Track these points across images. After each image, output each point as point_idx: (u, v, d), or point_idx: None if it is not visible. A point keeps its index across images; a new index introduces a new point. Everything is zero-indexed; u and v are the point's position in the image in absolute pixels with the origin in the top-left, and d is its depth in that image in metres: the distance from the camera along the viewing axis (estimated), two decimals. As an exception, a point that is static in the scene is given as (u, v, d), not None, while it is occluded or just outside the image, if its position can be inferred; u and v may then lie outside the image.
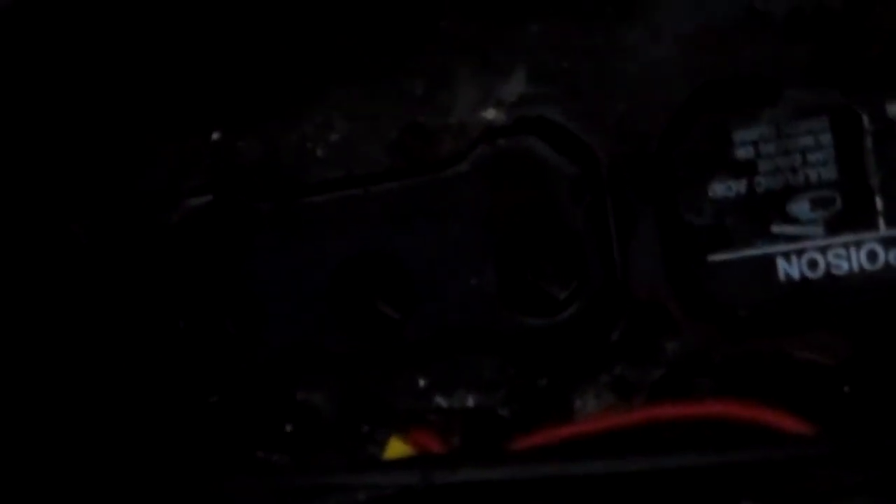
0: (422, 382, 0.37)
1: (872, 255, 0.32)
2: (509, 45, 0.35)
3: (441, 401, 0.37)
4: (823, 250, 0.32)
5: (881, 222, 0.32)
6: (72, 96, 0.39)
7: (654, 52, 0.34)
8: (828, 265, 0.32)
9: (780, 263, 0.33)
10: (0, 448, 0.38)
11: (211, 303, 0.38)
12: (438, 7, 0.36)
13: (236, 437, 0.38)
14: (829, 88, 0.33)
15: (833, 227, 0.32)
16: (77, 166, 0.40)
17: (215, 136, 0.38)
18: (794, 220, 0.33)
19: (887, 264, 0.32)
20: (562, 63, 0.35)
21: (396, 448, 0.36)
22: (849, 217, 0.32)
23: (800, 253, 0.33)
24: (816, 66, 0.33)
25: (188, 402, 0.39)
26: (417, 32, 0.36)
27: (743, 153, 0.33)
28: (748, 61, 0.33)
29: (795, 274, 0.33)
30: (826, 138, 0.33)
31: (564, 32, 0.35)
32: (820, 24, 0.33)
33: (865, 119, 0.32)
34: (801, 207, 0.33)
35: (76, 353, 0.40)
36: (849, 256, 0.32)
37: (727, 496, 0.30)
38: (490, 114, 0.36)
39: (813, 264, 0.33)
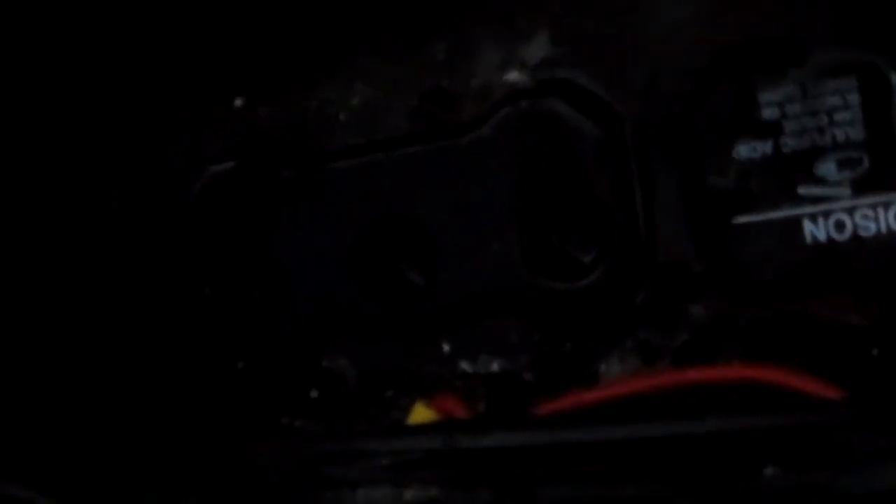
0: (446, 348, 0.37)
1: (901, 217, 0.32)
2: (532, 7, 0.35)
3: (465, 366, 0.37)
4: (851, 212, 0.32)
5: (910, 183, 0.32)
6: (98, 66, 0.39)
7: (678, 13, 0.34)
8: (855, 227, 0.32)
9: (807, 225, 0.32)
10: (30, 412, 0.39)
11: (236, 269, 0.38)
12: (459, -30, 0.36)
13: (262, 403, 0.39)
14: (857, 48, 0.32)
15: (860, 188, 0.32)
16: (104, 135, 0.40)
17: (238, 102, 0.38)
18: (820, 181, 0.32)
19: (916, 226, 0.32)
20: (585, 25, 0.35)
21: (421, 414, 0.36)
22: (876, 177, 0.32)
23: (826, 214, 0.32)
24: (843, 24, 0.32)
25: (215, 369, 0.39)
26: (439, -5, 0.36)
27: (768, 114, 0.33)
28: (773, 21, 0.33)
29: (822, 236, 0.32)
30: (853, 98, 0.32)
31: (587, -6, 0.35)
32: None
33: (893, 78, 0.32)
34: (827, 168, 0.32)
35: (103, 319, 0.40)
36: (876, 218, 0.32)
37: (752, 461, 0.30)
38: (513, 76, 0.35)
39: (840, 226, 0.32)
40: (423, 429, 0.34)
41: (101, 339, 0.40)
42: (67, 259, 0.40)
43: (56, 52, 0.38)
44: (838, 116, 0.32)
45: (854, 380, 0.32)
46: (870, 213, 0.32)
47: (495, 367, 0.36)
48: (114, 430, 0.39)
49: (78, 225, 0.40)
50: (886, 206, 0.32)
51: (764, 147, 0.33)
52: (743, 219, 0.33)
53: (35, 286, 0.40)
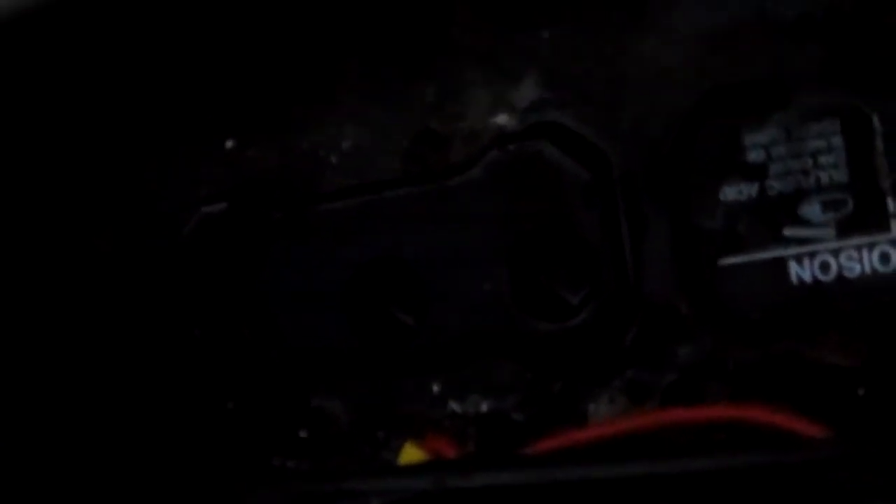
0: (436, 388, 0.37)
1: (885, 257, 0.32)
2: (520, 50, 0.36)
3: (455, 406, 0.37)
4: (835, 253, 0.32)
5: (893, 224, 0.32)
6: (87, 106, 0.39)
7: (665, 57, 0.34)
8: (840, 268, 0.32)
9: (793, 266, 0.33)
10: (18, 455, 0.39)
11: (226, 310, 0.38)
12: (449, 14, 0.36)
13: (252, 443, 0.39)
14: (840, 90, 0.32)
15: (845, 230, 0.32)
16: (95, 176, 0.40)
17: (229, 144, 0.39)
18: (805, 223, 0.33)
19: (900, 266, 0.32)
20: (573, 68, 0.35)
21: (411, 454, 0.36)
22: (860, 219, 0.32)
23: (812, 255, 0.33)
24: (826, 68, 0.33)
25: (204, 409, 0.39)
26: (428, 39, 0.36)
27: (754, 156, 0.33)
28: (758, 65, 0.33)
29: (807, 277, 0.33)
30: (837, 140, 0.32)
31: (575, 38, 0.35)
32: (830, 26, 0.33)
33: (876, 120, 0.32)
34: (812, 210, 0.33)
35: (93, 361, 0.40)
36: (861, 259, 0.32)
37: (740, 500, 0.30)
38: (502, 119, 0.36)
39: (825, 267, 0.32)
40: (412, 469, 0.34)
41: (91, 381, 0.40)
42: (57, 301, 0.40)
43: (46, 91, 0.39)
44: (822, 159, 0.33)
45: (841, 419, 0.32)
46: (854, 254, 0.32)
47: (485, 407, 0.36)
48: (103, 471, 0.39)
49: (68, 267, 0.40)
50: (871, 247, 0.32)
51: (750, 189, 0.33)
52: (730, 260, 0.33)
53: (23, 327, 0.40)
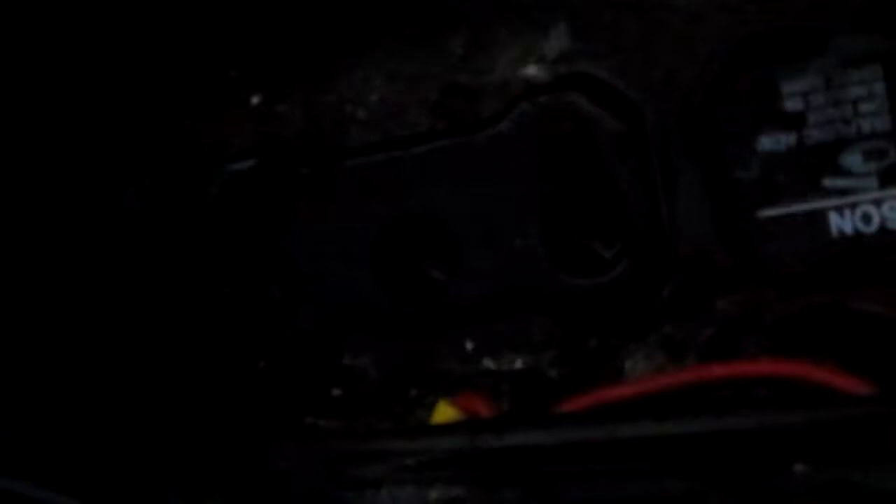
0: (469, 345, 0.36)
1: (928, 208, 0.31)
2: (549, 1, 0.35)
3: (489, 363, 0.36)
4: (877, 203, 0.32)
5: (937, 173, 0.31)
6: (117, 67, 0.39)
7: (698, 4, 0.33)
8: (882, 219, 0.31)
9: (833, 218, 0.32)
10: (52, 413, 0.39)
11: (256, 269, 0.38)
12: (476, -36, 0.35)
13: (284, 402, 0.38)
14: (881, 35, 0.31)
15: (887, 180, 0.31)
16: (122, 135, 0.40)
17: (255, 100, 0.38)
18: (846, 173, 0.32)
19: (944, 216, 0.31)
20: (603, 18, 0.34)
21: (444, 412, 0.35)
22: (903, 169, 0.31)
23: (853, 206, 0.32)
24: (866, 12, 0.31)
25: (236, 368, 0.39)
26: (455, -10, 0.36)
27: (792, 105, 0.32)
28: (794, 10, 0.32)
29: (848, 228, 0.32)
30: (878, 87, 0.31)
31: (605, -14, 0.34)
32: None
33: (920, 66, 0.31)
34: (853, 159, 0.32)
35: (123, 320, 0.40)
36: (903, 209, 0.31)
37: (781, 458, 0.30)
38: (531, 71, 0.35)
39: (866, 218, 0.32)
40: (447, 428, 0.34)
41: (122, 339, 0.40)
42: (87, 259, 0.40)
43: (77, 52, 0.38)
44: (863, 107, 0.32)
45: (883, 374, 0.32)
46: (897, 204, 0.31)
47: (519, 364, 0.36)
48: (136, 430, 0.39)
49: (98, 224, 0.40)
50: (913, 197, 0.31)
51: (788, 139, 0.32)
52: (767, 212, 0.32)
53: (54, 284, 0.40)
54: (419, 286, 0.37)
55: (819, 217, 0.32)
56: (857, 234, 0.32)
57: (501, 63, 0.35)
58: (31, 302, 0.40)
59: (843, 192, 0.32)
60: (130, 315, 0.40)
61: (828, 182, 0.32)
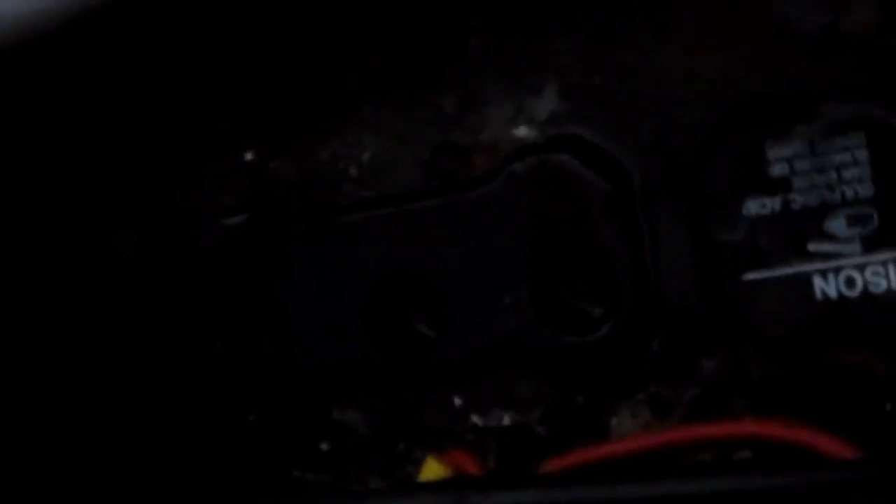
0: (457, 401, 0.37)
1: (912, 273, 0.32)
2: (540, 61, 0.35)
3: (477, 420, 0.37)
4: (861, 268, 0.32)
5: (920, 240, 0.32)
6: (109, 116, 0.39)
7: (687, 68, 0.34)
8: (865, 283, 0.32)
9: (817, 282, 0.32)
10: (37, 462, 0.39)
11: (247, 322, 0.38)
12: (468, 25, 0.36)
13: (273, 455, 0.38)
14: (865, 103, 0.32)
15: (870, 245, 0.32)
16: (117, 181, 0.40)
17: (248, 156, 0.38)
18: (830, 238, 0.32)
19: (927, 282, 0.32)
20: (593, 79, 0.35)
21: (432, 468, 0.36)
22: (886, 234, 0.32)
23: (837, 271, 0.32)
24: (851, 80, 0.32)
25: (225, 421, 0.39)
26: (447, 50, 0.36)
27: (777, 170, 0.33)
28: (782, 77, 0.33)
29: (833, 292, 0.32)
30: (862, 154, 0.32)
31: (595, 49, 0.35)
32: (855, 37, 0.32)
33: (902, 134, 0.32)
34: (837, 225, 0.32)
35: (113, 371, 0.40)
36: (887, 274, 0.32)
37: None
38: (522, 131, 0.36)
39: (850, 282, 0.32)
40: (433, 486, 0.34)
41: (110, 391, 0.40)
42: (77, 304, 0.40)
43: (76, 103, 0.39)
44: (847, 173, 0.32)
45: (868, 437, 0.32)
46: (880, 269, 0.32)
47: (507, 420, 0.36)
48: (123, 482, 0.39)
49: (88, 270, 0.40)
50: (897, 262, 0.32)
51: (773, 203, 0.33)
52: (753, 275, 0.33)
53: (43, 331, 0.40)
54: (408, 342, 0.37)
55: (803, 280, 0.32)
56: (841, 298, 0.32)
57: (493, 123, 0.36)
58: (19, 343, 0.40)
59: (827, 256, 0.32)
60: (118, 364, 0.40)
61: (812, 246, 0.32)
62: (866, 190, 0.32)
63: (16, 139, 0.38)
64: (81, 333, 0.40)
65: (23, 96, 0.38)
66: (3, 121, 0.38)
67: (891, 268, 0.32)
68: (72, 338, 0.40)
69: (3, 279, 0.39)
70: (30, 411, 0.39)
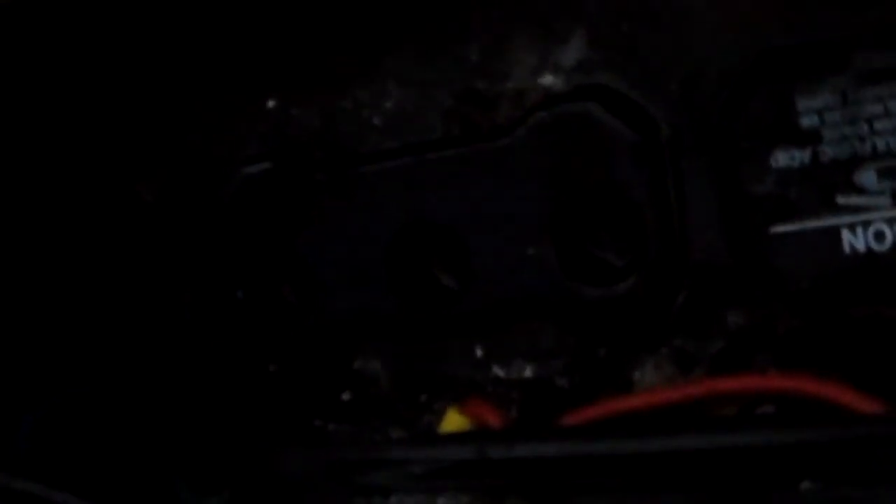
0: (479, 352, 0.37)
1: (942, 227, 0.31)
2: (567, 9, 0.35)
3: (498, 371, 0.36)
4: (890, 222, 0.31)
5: (952, 193, 0.31)
6: (134, 63, 0.39)
7: (716, 18, 0.33)
8: (895, 237, 0.31)
9: (846, 235, 0.32)
10: (65, 412, 0.39)
11: (269, 272, 0.38)
12: (494, -29, 0.35)
13: (294, 405, 0.38)
14: (899, 52, 0.31)
15: (901, 198, 0.31)
16: (140, 130, 0.40)
17: (271, 104, 0.38)
18: (860, 191, 0.32)
19: (957, 236, 0.31)
20: (621, 28, 0.34)
21: (453, 420, 0.36)
22: (918, 187, 0.31)
23: (866, 224, 0.32)
24: (884, 29, 0.31)
25: (246, 371, 0.39)
26: (473, -3, 0.36)
27: (807, 122, 0.32)
28: (813, 26, 0.32)
29: (861, 246, 0.32)
30: (894, 105, 0.31)
31: (624, -4, 0.34)
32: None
33: (937, 84, 0.31)
34: (867, 177, 0.32)
35: (135, 319, 0.40)
36: (917, 228, 0.31)
37: (788, 476, 0.30)
38: (548, 80, 0.35)
39: (880, 236, 0.32)
40: (456, 437, 0.34)
41: (132, 337, 0.40)
42: (99, 251, 0.40)
43: (95, 49, 0.38)
44: (879, 125, 0.31)
45: (893, 391, 0.32)
46: (911, 223, 0.31)
47: (528, 372, 0.36)
48: (147, 429, 0.40)
49: (111, 216, 0.40)
50: (928, 216, 0.31)
51: (802, 155, 0.32)
52: (780, 228, 0.32)
53: (64, 277, 0.40)
54: (431, 293, 0.37)
55: (832, 234, 0.32)
56: (870, 252, 0.32)
57: (518, 71, 0.35)
58: (40, 297, 0.40)
59: (856, 209, 0.32)
60: (142, 312, 0.40)
61: (841, 199, 0.32)
62: (898, 142, 0.31)
63: (40, 88, 0.38)
64: (103, 280, 0.40)
65: (50, 43, 0.38)
66: (30, 68, 0.37)
67: (921, 222, 0.31)
68: (93, 284, 0.40)
69: (27, 226, 0.39)
70: (51, 358, 0.39)
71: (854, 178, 0.32)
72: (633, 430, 0.32)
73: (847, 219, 0.32)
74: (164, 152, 0.39)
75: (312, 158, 0.37)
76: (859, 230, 0.32)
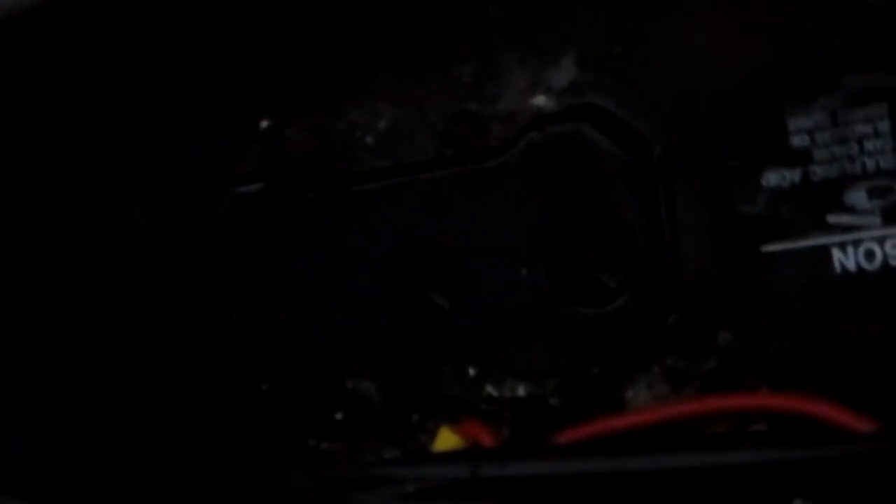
0: (472, 371, 0.37)
1: (932, 246, 0.31)
2: (558, 31, 0.35)
3: (491, 390, 0.36)
4: (881, 241, 0.32)
5: (941, 212, 0.31)
6: (128, 83, 0.39)
7: (707, 39, 0.33)
8: (885, 256, 0.32)
9: (836, 254, 0.32)
10: (53, 432, 0.39)
11: (262, 292, 0.38)
12: (486, -7, 0.35)
13: (287, 424, 0.38)
14: (887, 73, 0.32)
15: (891, 217, 0.32)
16: (133, 150, 0.40)
17: (264, 124, 0.38)
18: (850, 210, 0.32)
19: (947, 255, 0.31)
20: (612, 49, 0.34)
21: (446, 439, 0.36)
22: (907, 207, 0.31)
23: (856, 243, 0.32)
24: (874, 50, 0.32)
25: (240, 391, 0.39)
26: (466, 19, 0.36)
27: (798, 142, 0.32)
28: (802, 47, 0.32)
29: (851, 265, 0.32)
30: (884, 125, 0.32)
31: (614, 18, 0.34)
32: (877, 7, 0.32)
33: (925, 105, 0.31)
34: (858, 197, 0.32)
35: (128, 340, 0.40)
36: (907, 247, 0.31)
37: (779, 494, 0.30)
38: (540, 101, 0.35)
39: (870, 255, 0.32)
40: (449, 456, 0.34)
41: (125, 356, 0.40)
42: (92, 272, 0.40)
43: (90, 66, 0.38)
44: (869, 145, 0.32)
45: (884, 410, 0.32)
46: (900, 242, 0.32)
47: (521, 391, 0.36)
48: (139, 449, 0.39)
49: (104, 237, 0.40)
50: (917, 235, 0.32)
51: (793, 175, 0.32)
52: (771, 247, 0.33)
53: (57, 294, 0.40)
54: (423, 312, 0.37)
55: (822, 253, 0.32)
56: (861, 271, 0.32)
57: (510, 92, 0.36)
58: (34, 317, 0.40)
59: (846, 228, 0.32)
60: (135, 333, 0.40)
61: (832, 218, 0.32)
62: (888, 162, 0.32)
63: (34, 107, 0.38)
64: (96, 302, 0.40)
65: (42, 63, 0.38)
66: (24, 87, 0.38)
67: (911, 241, 0.32)
68: (87, 306, 0.40)
69: (20, 247, 0.39)
70: (43, 379, 0.39)
71: (844, 197, 0.32)
72: (626, 449, 0.32)
73: (837, 238, 0.32)
74: (157, 172, 0.39)
75: (305, 178, 0.37)
76: (850, 249, 0.32)
